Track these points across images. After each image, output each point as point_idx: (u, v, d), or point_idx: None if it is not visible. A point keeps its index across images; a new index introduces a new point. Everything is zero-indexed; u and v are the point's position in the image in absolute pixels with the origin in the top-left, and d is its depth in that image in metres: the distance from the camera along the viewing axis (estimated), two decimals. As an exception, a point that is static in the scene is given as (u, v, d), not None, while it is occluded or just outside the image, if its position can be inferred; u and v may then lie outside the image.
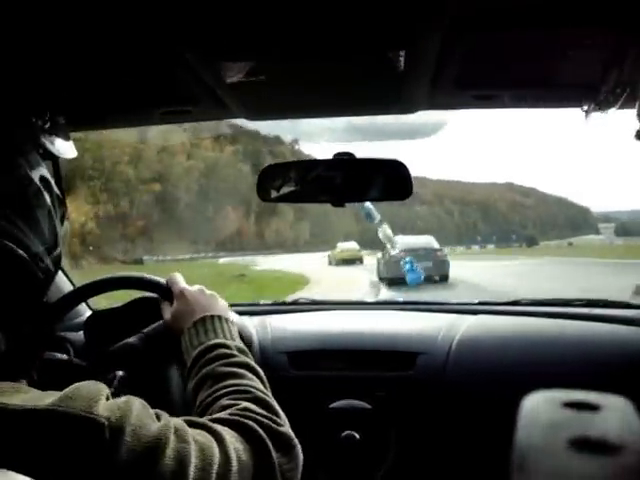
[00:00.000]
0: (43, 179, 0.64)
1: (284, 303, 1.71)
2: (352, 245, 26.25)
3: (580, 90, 0.92)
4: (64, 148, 0.78)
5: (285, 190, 1.16)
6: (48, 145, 0.71)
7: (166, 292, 1.02)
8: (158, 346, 0.97)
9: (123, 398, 0.57)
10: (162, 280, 1.05)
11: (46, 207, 0.62)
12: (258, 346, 1.32)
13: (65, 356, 1.10)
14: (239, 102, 0.98)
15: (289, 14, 0.70)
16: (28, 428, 0.49)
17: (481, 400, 1.20)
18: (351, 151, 1.16)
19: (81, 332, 1.31)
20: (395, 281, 13.32)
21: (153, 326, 1.00)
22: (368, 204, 1.19)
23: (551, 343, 1.30)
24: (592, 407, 0.26)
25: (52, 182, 0.66)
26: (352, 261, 23.09)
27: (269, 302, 1.72)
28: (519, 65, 0.89)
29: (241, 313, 1.40)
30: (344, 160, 1.16)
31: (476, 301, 1.64)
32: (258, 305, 1.69)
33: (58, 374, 1.02)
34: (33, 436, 0.49)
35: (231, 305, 1.51)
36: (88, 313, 1.42)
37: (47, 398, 0.52)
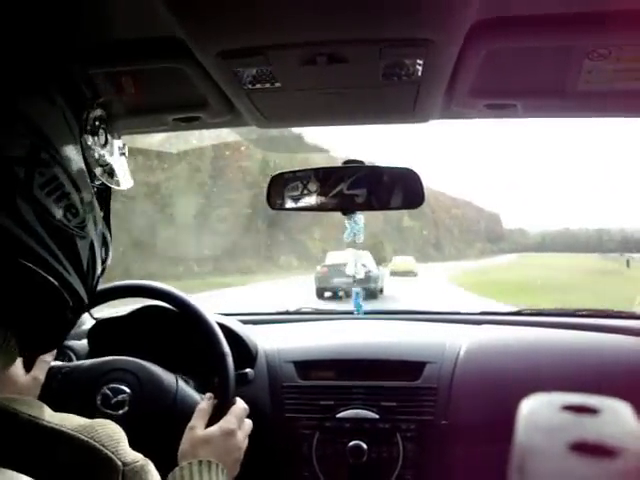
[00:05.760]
0: (90, 206, 0.58)
1: (287, 312, 1.71)
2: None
3: (593, 99, 0.92)
4: (122, 177, 0.67)
5: (294, 198, 1.16)
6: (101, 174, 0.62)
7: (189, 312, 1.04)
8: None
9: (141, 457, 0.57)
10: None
11: (89, 239, 0.58)
12: (264, 355, 1.32)
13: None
14: (251, 109, 0.98)
15: (306, 18, 0.70)
16: (51, 446, 0.50)
17: (489, 410, 1.19)
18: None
19: (84, 340, 1.31)
20: (319, 293, 14.73)
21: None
22: (361, 226, 1.18)
23: (557, 354, 1.29)
24: (591, 410, 0.26)
25: (98, 212, 0.61)
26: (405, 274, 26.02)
27: (272, 311, 1.72)
28: (534, 74, 0.89)
29: (245, 322, 1.40)
30: (354, 167, 1.14)
31: (479, 311, 1.64)
32: (262, 314, 1.69)
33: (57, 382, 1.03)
34: (51, 455, 0.50)
35: (234, 314, 1.52)
36: (90, 322, 1.42)
37: (74, 420, 0.53)
